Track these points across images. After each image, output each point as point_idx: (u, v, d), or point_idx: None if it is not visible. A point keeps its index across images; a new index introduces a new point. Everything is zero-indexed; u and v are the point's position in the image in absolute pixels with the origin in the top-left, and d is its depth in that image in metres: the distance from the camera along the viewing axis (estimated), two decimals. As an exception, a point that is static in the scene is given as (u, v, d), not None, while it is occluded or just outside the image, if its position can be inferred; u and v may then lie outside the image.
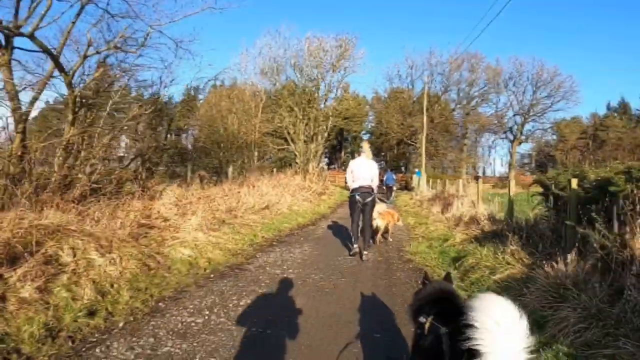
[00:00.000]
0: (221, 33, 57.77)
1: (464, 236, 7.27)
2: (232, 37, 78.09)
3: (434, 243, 7.65)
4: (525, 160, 64.34)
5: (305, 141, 26.23)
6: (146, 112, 10.87)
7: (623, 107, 61.73)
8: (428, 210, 12.81)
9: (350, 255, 6.73)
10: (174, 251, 6.08)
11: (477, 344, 1.42)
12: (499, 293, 1.69)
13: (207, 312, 3.83)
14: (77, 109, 7.81)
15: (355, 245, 6.78)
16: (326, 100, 27.84)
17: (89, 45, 6.54)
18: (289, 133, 25.39)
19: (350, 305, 4.23)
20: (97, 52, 7.16)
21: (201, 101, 32.53)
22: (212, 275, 5.41)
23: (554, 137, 60.29)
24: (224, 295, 4.48)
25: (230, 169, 15.19)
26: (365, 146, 7.24)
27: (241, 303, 4.16)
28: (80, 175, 8.01)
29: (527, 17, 71.80)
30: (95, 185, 7.86)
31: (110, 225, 6.18)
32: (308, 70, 26.69)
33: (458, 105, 49.48)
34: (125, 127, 9.99)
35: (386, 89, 49.75)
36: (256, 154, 22.44)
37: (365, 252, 6.65)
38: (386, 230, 8.23)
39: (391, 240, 8.48)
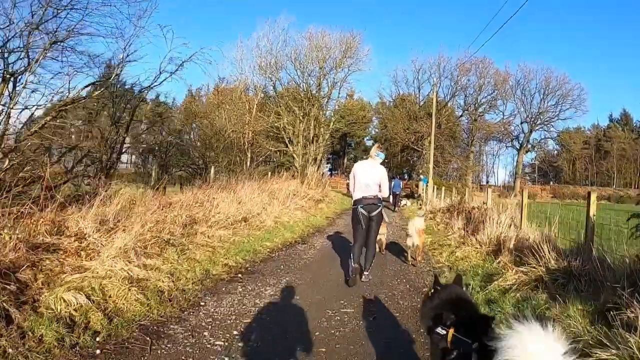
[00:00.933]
0: (218, 27, 55.30)
1: (519, 275, 4.85)
2: (230, 31, 76.04)
3: (471, 282, 5.23)
4: (527, 170, 62.42)
5: (304, 144, 23.95)
6: (92, 95, 8.57)
7: (625, 119, 60.61)
8: (446, 226, 10.40)
9: (348, 285, 5.22)
10: (56, 299, 3.70)
11: None
12: None
13: None
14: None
15: (353, 267, 5.38)
16: (329, 99, 25.60)
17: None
18: (286, 133, 23.10)
19: None
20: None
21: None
22: (98, 352, 3.03)
23: (557, 147, 58.98)
24: None
25: (212, 171, 12.82)
26: (374, 148, 5.86)
27: None
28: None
29: (535, 24, 70.00)
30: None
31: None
32: (309, 66, 24.47)
33: (465, 111, 47.22)
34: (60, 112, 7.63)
35: (392, 94, 47.50)
36: (249, 155, 20.12)
37: (365, 274, 5.48)
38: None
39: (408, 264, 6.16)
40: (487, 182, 59.20)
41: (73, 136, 11.58)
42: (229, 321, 3.79)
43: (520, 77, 47.01)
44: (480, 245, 6.71)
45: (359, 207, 5.42)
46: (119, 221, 5.98)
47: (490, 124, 47.19)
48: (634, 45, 67.01)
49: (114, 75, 8.46)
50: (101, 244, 5.14)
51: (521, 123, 49.07)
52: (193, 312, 4.00)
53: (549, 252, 5.01)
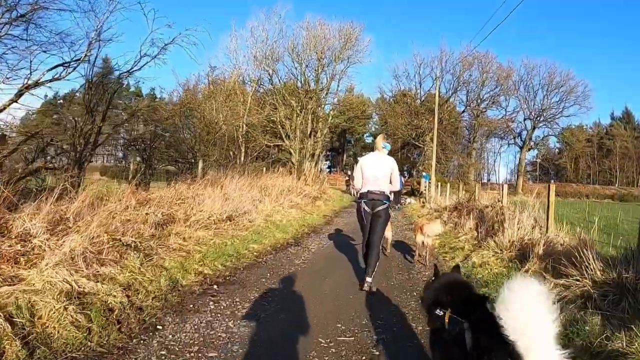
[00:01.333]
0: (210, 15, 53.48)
1: (560, 289, 3.93)
2: (223, 19, 73.70)
3: (497, 295, 4.29)
4: (528, 168, 61.57)
5: (301, 139, 23.01)
6: (61, 77, 7.62)
7: (627, 117, 59.94)
8: (455, 226, 9.46)
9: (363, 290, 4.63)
10: (-45, 325, 2.79)
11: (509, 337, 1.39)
12: None
13: None
14: None
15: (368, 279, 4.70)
16: (327, 92, 24.62)
17: None
18: (283, 127, 22.14)
19: None
20: None
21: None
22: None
23: (559, 145, 58.34)
24: None
25: (200, 165, 11.88)
26: (380, 139, 5.20)
27: None
28: None
29: (538, 18, 69.07)
30: None
31: None
32: (307, 57, 23.50)
33: (467, 107, 46.27)
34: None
35: (392, 89, 46.49)
36: (243, 150, 19.17)
37: (369, 280, 4.65)
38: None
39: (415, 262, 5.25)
40: (489, 179, 58.41)
41: (69, 132, 10.63)
42: (188, 354, 2.85)
43: (523, 72, 46.16)
44: (501, 250, 5.77)
45: (362, 201, 4.92)
46: (79, 220, 5.05)
47: (492, 121, 46.31)
48: (636, 42, 66.05)
49: (84, 56, 7.50)
50: (49, 248, 4.23)
51: (524, 120, 48.22)
52: (144, 340, 3.07)
53: (593, 260, 4.08)
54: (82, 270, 4.01)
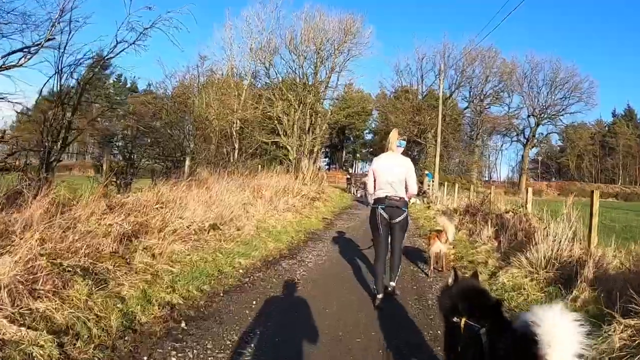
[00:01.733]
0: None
1: (631, 332, 2.98)
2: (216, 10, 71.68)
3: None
4: (530, 166, 60.66)
5: (299, 135, 22.03)
6: (18, 64, 6.64)
7: (629, 114, 59.06)
8: (469, 233, 8.50)
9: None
10: None
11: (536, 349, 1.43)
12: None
13: None
14: None
15: (379, 296, 4.32)
16: (327, 86, 23.60)
17: None
18: (280, 123, 21.15)
19: None
20: None
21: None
22: None
23: (561, 142, 57.52)
24: None
25: (187, 163, 10.91)
26: (393, 136, 4.63)
27: None
28: None
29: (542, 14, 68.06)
30: None
31: None
32: (305, 49, 22.47)
33: (470, 103, 45.31)
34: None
35: (393, 84, 45.50)
36: (237, 146, 18.19)
37: (392, 284, 4.53)
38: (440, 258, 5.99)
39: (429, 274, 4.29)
40: (490, 177, 57.66)
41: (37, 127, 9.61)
42: None
43: (527, 68, 45.13)
44: (536, 269, 4.80)
45: (379, 207, 4.42)
46: (27, 233, 4.09)
47: (495, 117, 45.41)
48: (637, 40, 65.13)
49: (45, 40, 6.50)
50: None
51: (528, 117, 47.24)
52: None
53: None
54: (6, 308, 3.06)
